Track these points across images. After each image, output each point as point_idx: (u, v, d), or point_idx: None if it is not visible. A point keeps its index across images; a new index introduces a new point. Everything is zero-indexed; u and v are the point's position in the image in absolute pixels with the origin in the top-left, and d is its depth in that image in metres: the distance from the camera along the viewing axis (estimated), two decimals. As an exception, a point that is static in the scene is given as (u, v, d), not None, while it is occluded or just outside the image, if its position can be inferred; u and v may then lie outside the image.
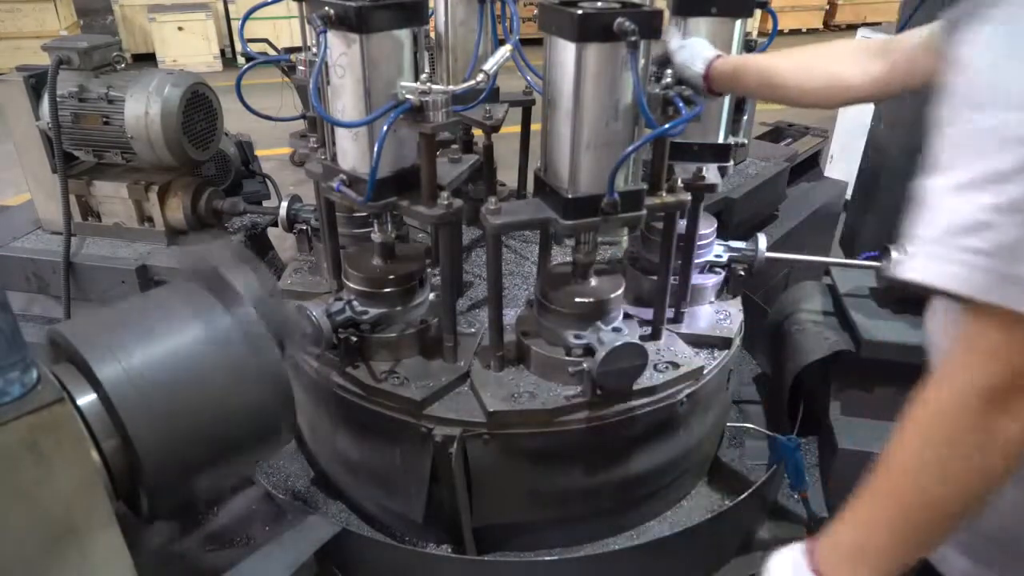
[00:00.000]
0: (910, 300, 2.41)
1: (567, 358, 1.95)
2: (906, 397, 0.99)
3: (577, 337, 1.94)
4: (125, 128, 2.63)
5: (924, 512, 0.98)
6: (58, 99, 2.60)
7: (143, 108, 2.60)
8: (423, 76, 1.76)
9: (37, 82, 2.71)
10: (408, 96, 1.74)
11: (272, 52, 2.88)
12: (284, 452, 2.48)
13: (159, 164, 2.72)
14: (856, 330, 2.36)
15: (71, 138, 2.71)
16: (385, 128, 1.72)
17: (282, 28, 9.94)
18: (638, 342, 1.86)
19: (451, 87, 1.80)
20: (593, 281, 2.04)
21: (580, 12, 1.60)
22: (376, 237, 2.07)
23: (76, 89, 2.64)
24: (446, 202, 1.85)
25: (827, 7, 14.72)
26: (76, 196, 2.80)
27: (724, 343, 2.23)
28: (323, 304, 1.99)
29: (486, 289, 2.03)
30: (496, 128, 2.48)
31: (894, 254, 2.39)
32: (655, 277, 2.17)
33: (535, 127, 2.11)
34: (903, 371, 2.24)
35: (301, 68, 2.58)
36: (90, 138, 2.71)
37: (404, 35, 1.80)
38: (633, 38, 1.57)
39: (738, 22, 2.05)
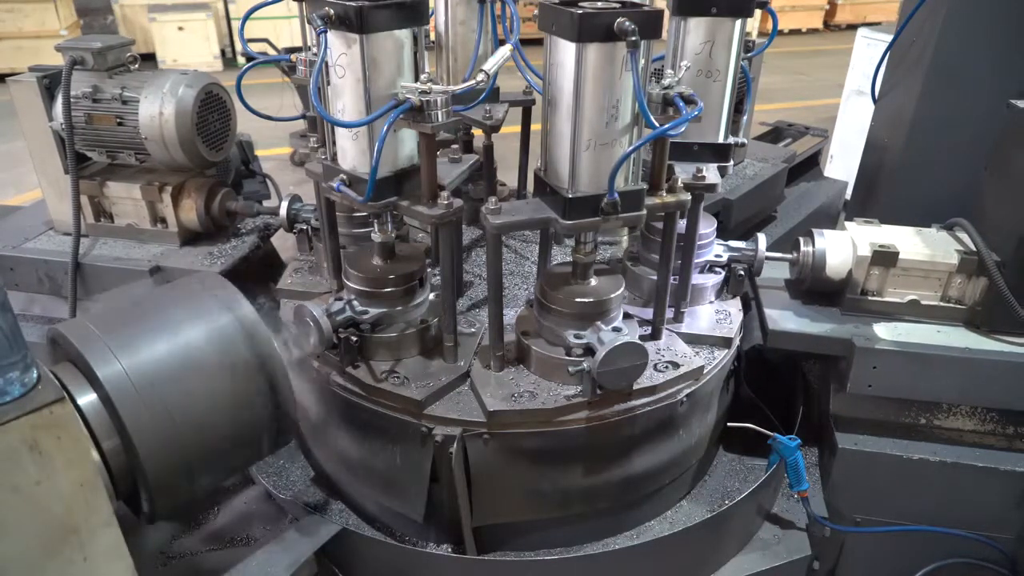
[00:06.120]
0: (819, 292, 2.43)
1: (567, 358, 1.95)
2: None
3: (577, 337, 1.94)
4: (139, 129, 2.62)
5: None
6: (72, 100, 2.58)
7: (157, 109, 2.59)
8: (423, 76, 1.77)
9: (51, 82, 2.69)
10: (408, 96, 1.74)
11: (272, 52, 2.88)
12: (284, 452, 2.48)
13: (173, 165, 2.71)
14: (764, 321, 2.37)
15: (84, 139, 2.70)
16: (385, 128, 1.72)
17: (282, 28, 9.95)
18: (638, 342, 1.86)
19: (451, 87, 1.80)
20: (593, 281, 2.04)
21: (580, 12, 1.60)
22: (376, 237, 2.07)
23: (90, 90, 2.63)
24: (446, 202, 1.86)
25: (827, 7, 14.73)
26: (89, 197, 2.78)
27: (724, 343, 2.24)
28: (323, 304, 1.99)
29: (486, 289, 2.03)
30: (496, 128, 2.48)
31: (803, 246, 2.40)
32: (655, 277, 2.17)
33: (535, 127, 2.11)
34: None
35: (301, 68, 2.59)
36: (103, 139, 2.70)
37: (404, 35, 1.80)
38: (633, 38, 1.57)
39: (738, 22, 2.06)
